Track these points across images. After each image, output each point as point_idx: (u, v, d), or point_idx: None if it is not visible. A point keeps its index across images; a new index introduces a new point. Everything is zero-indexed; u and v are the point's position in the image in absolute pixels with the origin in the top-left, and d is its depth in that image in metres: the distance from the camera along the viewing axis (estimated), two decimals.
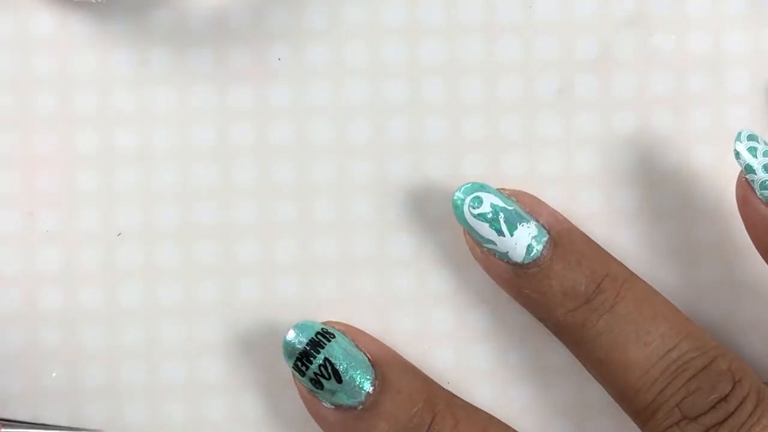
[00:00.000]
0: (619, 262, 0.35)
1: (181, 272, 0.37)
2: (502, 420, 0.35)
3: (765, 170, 0.33)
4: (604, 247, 0.36)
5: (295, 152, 0.37)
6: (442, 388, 0.35)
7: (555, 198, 0.37)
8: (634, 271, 0.35)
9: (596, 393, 0.36)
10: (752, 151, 0.34)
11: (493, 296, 0.37)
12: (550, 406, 0.37)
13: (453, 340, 0.37)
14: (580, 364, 0.35)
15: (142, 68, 0.37)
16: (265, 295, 0.37)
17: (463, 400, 0.35)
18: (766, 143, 0.34)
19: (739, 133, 0.34)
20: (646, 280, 0.35)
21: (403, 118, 0.37)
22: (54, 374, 0.37)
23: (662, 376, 0.33)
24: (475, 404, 0.36)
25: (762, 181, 0.33)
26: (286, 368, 0.35)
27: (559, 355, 0.36)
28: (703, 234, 0.37)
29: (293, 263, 0.37)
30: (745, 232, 0.35)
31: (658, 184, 0.37)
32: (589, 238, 0.35)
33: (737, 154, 0.34)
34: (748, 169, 0.33)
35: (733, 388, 0.33)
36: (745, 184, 0.34)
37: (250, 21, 0.37)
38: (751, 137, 0.34)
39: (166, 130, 0.37)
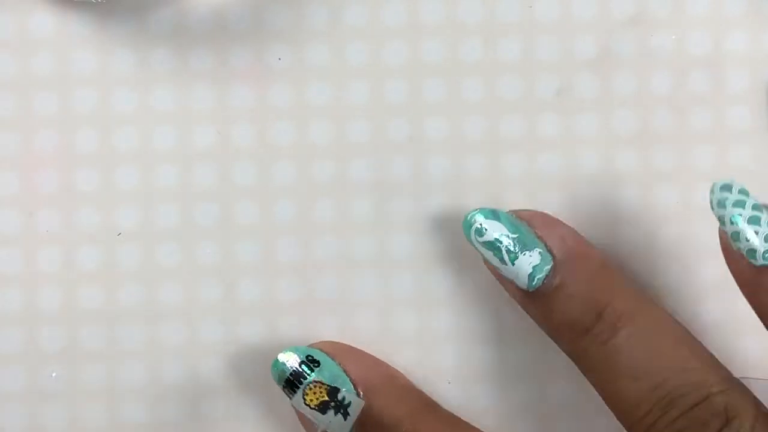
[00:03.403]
0: (629, 291, 0.34)
1: (181, 272, 0.37)
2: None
3: (735, 222, 0.32)
4: (603, 247, 0.36)
5: (295, 152, 0.37)
6: (433, 418, 0.35)
7: (555, 198, 0.37)
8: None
9: (596, 393, 0.36)
10: (722, 203, 0.32)
11: (493, 296, 0.37)
12: (550, 406, 0.37)
13: (453, 340, 0.37)
14: None
15: (142, 68, 0.37)
16: (265, 295, 0.37)
17: (451, 422, 0.35)
18: (740, 191, 0.32)
19: (713, 185, 0.33)
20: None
21: (403, 118, 0.37)
22: (54, 374, 0.37)
23: (652, 411, 0.32)
24: (474, 404, 0.36)
25: (732, 233, 0.32)
26: None
27: (559, 355, 0.36)
28: (703, 234, 0.37)
29: (293, 263, 0.37)
30: None
31: (657, 184, 0.37)
32: (598, 261, 0.35)
33: (710, 205, 0.33)
34: (720, 221, 0.33)
35: (721, 429, 0.31)
36: (722, 234, 0.33)
37: (250, 21, 0.37)
38: (724, 187, 0.33)
39: (166, 130, 0.37)
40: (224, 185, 0.37)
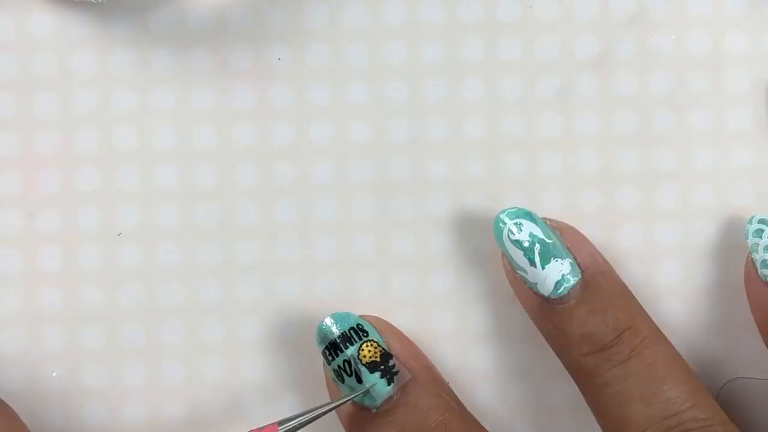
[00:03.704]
0: (649, 319, 0.35)
1: (181, 272, 0.37)
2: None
3: (766, 250, 0.34)
4: (603, 247, 0.36)
5: (295, 152, 0.37)
6: (464, 414, 0.35)
7: (555, 198, 0.37)
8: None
9: None
10: (758, 233, 0.34)
11: (493, 296, 0.37)
12: (550, 406, 0.37)
13: (453, 340, 0.37)
14: None
15: (142, 68, 0.37)
16: (265, 295, 0.37)
17: (481, 427, 0.35)
18: None
19: (752, 217, 0.35)
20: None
21: (403, 118, 0.37)
22: (54, 374, 0.37)
23: None
24: (475, 404, 0.36)
25: (763, 260, 0.34)
26: (285, 369, 0.35)
27: None
28: (702, 234, 0.37)
29: (293, 263, 0.37)
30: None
31: (657, 184, 0.37)
32: (623, 287, 0.35)
33: (746, 234, 0.35)
34: (753, 248, 0.35)
35: None
36: (750, 264, 0.35)
37: (250, 21, 0.37)
38: (762, 221, 0.35)
39: (166, 130, 0.37)
40: (224, 185, 0.37)
